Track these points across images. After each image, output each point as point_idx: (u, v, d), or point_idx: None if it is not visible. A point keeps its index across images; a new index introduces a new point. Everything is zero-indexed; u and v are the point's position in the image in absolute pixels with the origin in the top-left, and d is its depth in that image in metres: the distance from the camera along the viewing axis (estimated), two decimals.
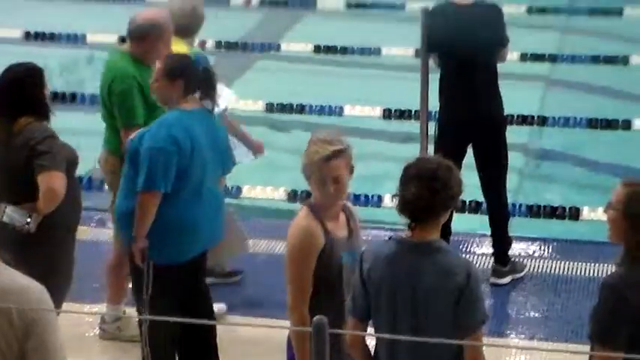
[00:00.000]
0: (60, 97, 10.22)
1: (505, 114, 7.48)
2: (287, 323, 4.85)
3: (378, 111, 10.13)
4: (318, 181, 4.72)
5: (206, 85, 5.92)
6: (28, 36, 12.48)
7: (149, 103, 6.35)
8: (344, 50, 11.90)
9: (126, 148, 5.94)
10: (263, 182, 8.01)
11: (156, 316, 5.71)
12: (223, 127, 6.12)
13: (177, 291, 5.89)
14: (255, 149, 7.26)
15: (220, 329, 6.12)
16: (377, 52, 11.81)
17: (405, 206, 4.18)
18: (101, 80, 6.59)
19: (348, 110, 10.19)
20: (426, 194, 4.15)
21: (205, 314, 6.03)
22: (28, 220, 5.42)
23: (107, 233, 7.37)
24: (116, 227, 6.23)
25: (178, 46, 6.86)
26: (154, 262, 5.78)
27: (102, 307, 6.76)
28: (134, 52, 6.49)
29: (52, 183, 5.40)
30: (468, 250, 7.77)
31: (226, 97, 6.97)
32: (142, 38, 6.44)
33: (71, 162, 5.68)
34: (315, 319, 3.24)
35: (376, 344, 4.40)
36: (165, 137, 5.69)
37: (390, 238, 4.33)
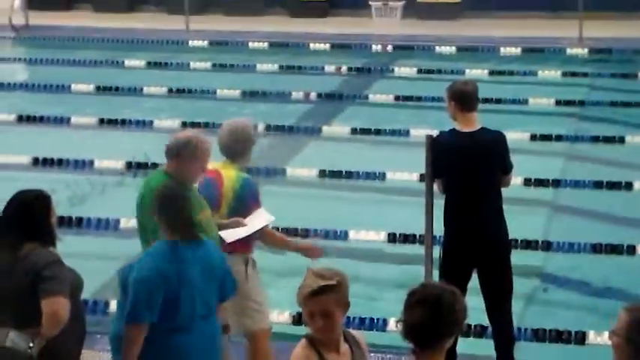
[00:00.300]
0: (66, 222, 10.30)
1: (510, 238, 7.51)
2: None
3: (382, 235, 10.16)
4: (307, 315, 4.73)
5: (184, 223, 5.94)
6: (36, 162, 12.61)
7: None
8: (349, 175, 12.01)
9: (119, 277, 5.97)
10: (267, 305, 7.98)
11: None
12: (220, 255, 6.11)
13: None
14: (312, 254, 7.24)
15: None
16: (382, 176, 11.92)
17: (410, 332, 4.17)
18: (137, 200, 6.66)
19: (352, 234, 10.22)
20: (430, 320, 4.13)
21: None
22: (31, 344, 5.41)
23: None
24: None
25: (227, 170, 7.03)
26: None
27: None
28: (169, 170, 6.61)
29: (55, 308, 5.41)
30: None
31: (264, 217, 7.02)
32: (176, 156, 6.57)
33: (76, 287, 5.69)
34: None
35: None
36: (150, 268, 5.75)
37: None
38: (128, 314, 5.70)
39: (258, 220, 6.99)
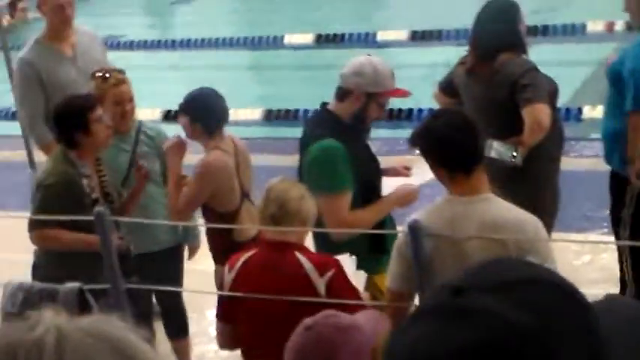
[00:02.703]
0: (531, 31, 10.30)
1: None
2: None
3: None
4: None
5: None
6: None
7: None
8: None
9: (607, 70, 5.81)
10: None
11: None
12: None
13: None
14: None
15: None
16: None
17: None
18: None
19: None
20: None
21: None
22: (514, 153, 5.52)
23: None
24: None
25: None
26: None
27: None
28: None
29: (537, 115, 5.43)
30: None
31: None
32: None
33: (552, 93, 5.70)
34: None
35: None
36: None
37: None
38: (633, 103, 5.46)
39: None
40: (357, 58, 5.09)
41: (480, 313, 1.32)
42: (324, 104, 5.16)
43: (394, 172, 5.38)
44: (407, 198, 5.01)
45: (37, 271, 5.43)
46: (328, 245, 4.88)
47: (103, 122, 5.38)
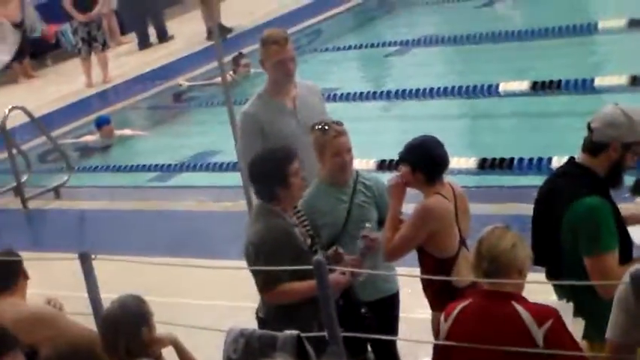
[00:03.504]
0: None
1: None
2: None
3: None
4: None
5: None
6: None
7: None
8: None
9: None
10: None
11: None
12: None
13: None
14: None
15: None
16: None
17: None
18: None
19: None
20: None
21: None
22: None
23: None
24: None
25: None
26: None
27: None
28: None
29: None
30: None
31: None
32: None
33: None
34: None
35: None
36: None
37: None
38: None
39: None
40: (606, 109, 4.95)
41: None
42: (572, 158, 5.06)
43: (635, 219, 5.25)
44: None
45: (266, 327, 5.45)
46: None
47: (299, 175, 5.48)
